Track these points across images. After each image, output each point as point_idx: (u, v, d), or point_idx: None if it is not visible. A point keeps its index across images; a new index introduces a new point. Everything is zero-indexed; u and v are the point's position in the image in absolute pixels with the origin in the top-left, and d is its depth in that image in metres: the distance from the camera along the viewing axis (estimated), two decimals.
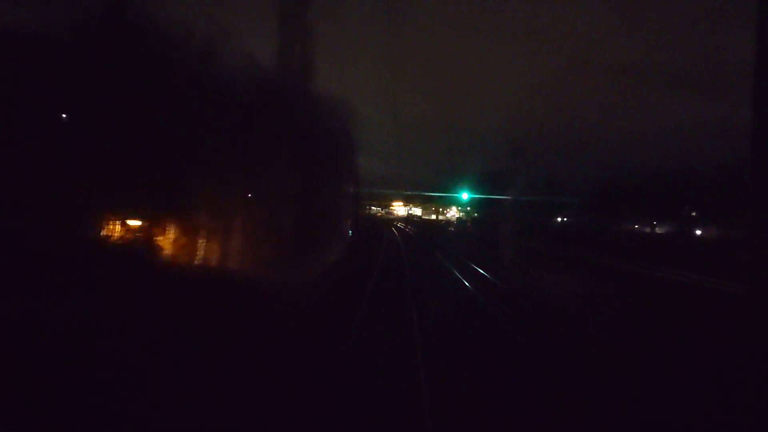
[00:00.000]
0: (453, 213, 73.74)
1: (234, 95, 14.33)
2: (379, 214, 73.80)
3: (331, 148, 20.12)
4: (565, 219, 43.93)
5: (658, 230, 35.10)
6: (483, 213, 53.54)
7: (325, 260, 16.94)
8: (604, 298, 12.15)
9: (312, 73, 18.88)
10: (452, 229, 59.60)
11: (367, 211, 62.87)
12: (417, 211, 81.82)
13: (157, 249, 11.76)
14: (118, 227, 11.36)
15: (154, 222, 11.92)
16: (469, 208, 62.30)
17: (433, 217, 77.23)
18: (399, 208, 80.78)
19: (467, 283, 14.31)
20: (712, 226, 29.06)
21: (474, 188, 49.08)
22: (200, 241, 12.42)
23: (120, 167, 9.98)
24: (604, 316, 10.08)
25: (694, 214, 32.49)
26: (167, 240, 11.86)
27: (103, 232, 11.06)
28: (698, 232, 30.59)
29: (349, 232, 26.67)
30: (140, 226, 11.77)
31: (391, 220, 71.43)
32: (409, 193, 66.03)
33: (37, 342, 5.51)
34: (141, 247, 11.42)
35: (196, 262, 12.14)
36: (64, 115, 10.54)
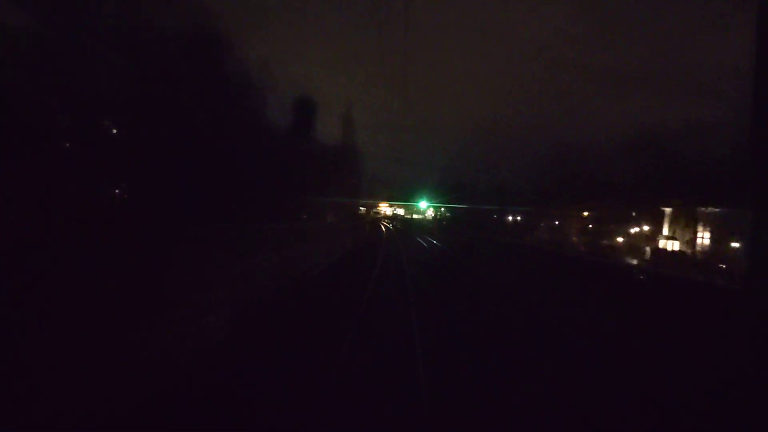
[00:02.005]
0: (431, 213, 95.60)
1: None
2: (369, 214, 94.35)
3: (358, 178, 42.92)
4: (518, 218, 61.74)
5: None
6: (453, 214, 77.56)
7: (366, 230, 40.19)
8: (465, 243, 35.45)
9: (355, 146, 41.42)
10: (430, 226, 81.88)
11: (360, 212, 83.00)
12: (400, 212, 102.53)
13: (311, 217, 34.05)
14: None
15: (310, 215, 34.16)
16: (442, 209, 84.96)
17: (415, 216, 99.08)
18: (385, 209, 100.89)
19: (418, 238, 37.66)
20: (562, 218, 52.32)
21: (438, 194, 71.78)
22: (326, 217, 34.86)
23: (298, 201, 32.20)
24: (462, 248, 33.20)
25: None
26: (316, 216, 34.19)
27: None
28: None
29: (367, 220, 50.26)
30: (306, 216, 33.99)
31: (379, 219, 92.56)
32: (388, 202, 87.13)
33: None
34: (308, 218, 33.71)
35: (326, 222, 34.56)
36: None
